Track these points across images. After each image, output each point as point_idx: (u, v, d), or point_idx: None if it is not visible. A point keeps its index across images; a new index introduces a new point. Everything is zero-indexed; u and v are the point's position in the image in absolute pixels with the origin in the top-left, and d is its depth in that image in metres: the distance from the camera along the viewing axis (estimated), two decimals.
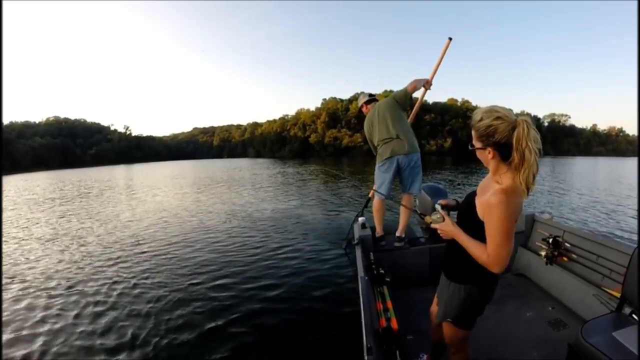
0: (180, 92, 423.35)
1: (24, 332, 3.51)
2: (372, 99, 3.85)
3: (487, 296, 1.58)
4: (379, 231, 3.76)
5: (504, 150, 1.33)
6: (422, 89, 3.67)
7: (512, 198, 1.32)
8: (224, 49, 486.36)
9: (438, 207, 1.63)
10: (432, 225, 1.60)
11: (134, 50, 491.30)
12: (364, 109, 3.87)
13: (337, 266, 5.02)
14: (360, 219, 3.80)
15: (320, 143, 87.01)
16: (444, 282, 1.69)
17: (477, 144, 1.41)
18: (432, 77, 3.70)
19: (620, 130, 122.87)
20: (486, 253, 1.37)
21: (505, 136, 1.30)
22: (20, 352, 3.17)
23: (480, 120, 1.36)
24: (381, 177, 3.60)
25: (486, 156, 1.40)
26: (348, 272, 4.71)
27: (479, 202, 1.44)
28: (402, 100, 3.54)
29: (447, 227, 1.54)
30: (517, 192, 1.33)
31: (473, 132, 1.41)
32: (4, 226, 9.01)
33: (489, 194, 1.38)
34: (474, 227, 1.44)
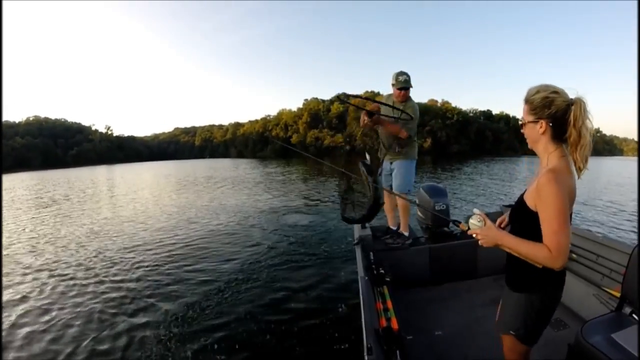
0: (161, 91, 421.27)
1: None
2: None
3: (550, 305, 1.46)
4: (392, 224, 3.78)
5: (557, 125, 1.30)
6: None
7: (563, 177, 1.27)
8: (207, 48, 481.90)
9: (476, 210, 1.47)
10: (470, 232, 1.45)
11: (115, 48, 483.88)
12: (403, 92, 3.34)
13: (336, 266, 5.13)
14: None
15: (302, 143, 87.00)
16: (505, 291, 1.59)
17: (529, 117, 1.38)
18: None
19: (597, 131, 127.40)
20: (544, 248, 1.25)
21: (561, 110, 1.28)
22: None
23: (537, 93, 1.33)
24: (413, 174, 3.57)
25: (537, 131, 1.36)
26: (348, 272, 4.77)
27: (528, 192, 1.39)
28: None
29: (489, 230, 1.39)
30: (567, 171, 1.30)
31: (526, 107, 1.38)
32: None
33: (538, 178, 1.33)
34: (529, 223, 1.34)
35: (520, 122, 1.44)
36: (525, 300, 1.46)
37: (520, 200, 1.43)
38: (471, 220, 1.45)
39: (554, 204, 1.24)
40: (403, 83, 3.28)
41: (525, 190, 1.45)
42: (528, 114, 1.38)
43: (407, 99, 3.38)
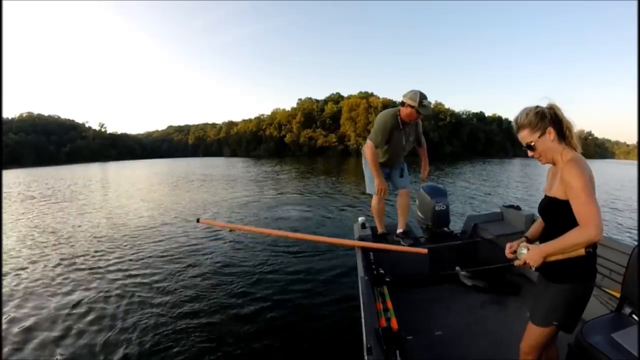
0: (155, 89, 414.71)
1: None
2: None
3: (585, 294, 1.57)
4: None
5: (557, 126, 1.49)
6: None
7: (580, 161, 1.43)
8: (199, 46, 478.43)
9: (523, 244, 1.65)
10: (520, 262, 1.60)
11: (109, 44, 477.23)
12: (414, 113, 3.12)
13: (337, 266, 5.07)
14: (360, 219, 3.81)
15: (295, 143, 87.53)
16: (543, 284, 1.64)
17: (534, 135, 1.51)
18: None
19: (589, 134, 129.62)
20: (577, 227, 1.37)
21: (551, 113, 1.49)
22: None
23: (527, 115, 1.51)
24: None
25: (548, 140, 1.50)
26: (348, 272, 4.76)
27: (554, 188, 1.52)
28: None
29: (531, 252, 1.52)
30: (582, 158, 1.47)
31: (526, 131, 1.53)
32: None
33: (560, 172, 1.48)
34: (563, 214, 1.46)
35: (531, 146, 1.54)
36: (569, 291, 1.54)
37: (547, 199, 1.57)
38: (519, 252, 1.62)
39: (579, 182, 1.36)
40: (428, 111, 3.13)
41: (546, 192, 1.61)
42: (532, 134, 1.51)
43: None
